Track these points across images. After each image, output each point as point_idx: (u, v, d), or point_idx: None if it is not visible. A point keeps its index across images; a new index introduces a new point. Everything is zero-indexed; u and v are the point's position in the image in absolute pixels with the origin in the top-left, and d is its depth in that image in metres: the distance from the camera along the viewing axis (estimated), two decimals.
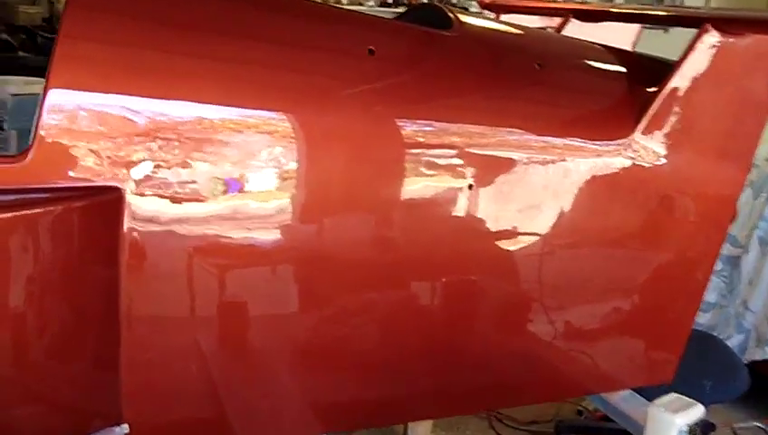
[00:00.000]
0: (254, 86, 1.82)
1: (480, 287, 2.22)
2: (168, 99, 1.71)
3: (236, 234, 1.81)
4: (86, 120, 1.62)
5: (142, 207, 1.70)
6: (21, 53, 4.09)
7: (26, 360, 1.72)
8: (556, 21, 3.00)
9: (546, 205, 2.19)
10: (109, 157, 1.65)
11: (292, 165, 1.82)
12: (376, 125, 1.95)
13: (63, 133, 1.60)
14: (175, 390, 1.92)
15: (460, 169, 2.03)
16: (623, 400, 2.57)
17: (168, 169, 1.71)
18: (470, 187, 2.03)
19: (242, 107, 1.78)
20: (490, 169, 2.07)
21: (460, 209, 2.06)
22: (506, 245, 2.18)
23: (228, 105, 1.77)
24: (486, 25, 2.40)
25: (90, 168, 1.63)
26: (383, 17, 2.18)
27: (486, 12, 3.44)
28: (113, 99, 1.66)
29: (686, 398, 2.39)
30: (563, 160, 2.14)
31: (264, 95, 1.82)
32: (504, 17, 3.13)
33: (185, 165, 1.72)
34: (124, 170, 1.67)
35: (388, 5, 8.46)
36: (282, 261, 1.90)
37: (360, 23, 2.09)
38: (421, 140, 1.98)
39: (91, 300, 1.74)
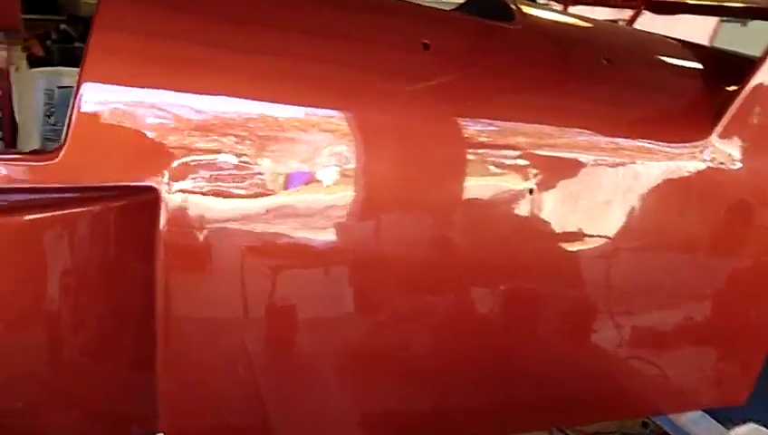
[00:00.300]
0: (303, 82, 1.73)
1: (542, 294, 2.09)
2: (211, 94, 1.63)
3: (287, 233, 1.73)
4: (122, 117, 1.54)
5: (181, 207, 1.61)
6: (78, 44, 4.09)
7: (63, 360, 1.66)
8: (627, 13, 2.83)
9: (614, 209, 2.05)
10: (145, 155, 1.56)
11: (345, 163, 1.73)
12: (431, 123, 1.84)
13: (97, 130, 1.52)
14: (215, 394, 1.84)
15: (522, 171, 1.91)
16: (694, 423, 2.40)
17: (210, 167, 1.62)
18: (531, 191, 1.89)
19: (292, 104, 1.70)
20: (554, 172, 1.94)
21: (521, 213, 1.94)
22: (570, 250, 2.05)
23: (278, 102, 1.69)
24: (551, 18, 2.26)
25: (125, 167, 1.55)
26: (440, 9, 2.04)
27: (553, 3, 3.28)
28: (151, 94, 1.57)
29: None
30: (633, 163, 1.99)
31: (313, 91, 1.73)
32: (571, 9, 2.97)
33: (231, 163, 1.64)
34: (162, 170, 1.57)
35: None
36: (334, 262, 1.81)
37: (414, 14, 1.96)
38: (480, 139, 1.86)
39: (128, 299, 1.67)
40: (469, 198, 1.89)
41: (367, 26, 1.87)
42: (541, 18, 2.18)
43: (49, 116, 2.39)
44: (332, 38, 1.81)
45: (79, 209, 1.48)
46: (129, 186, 1.55)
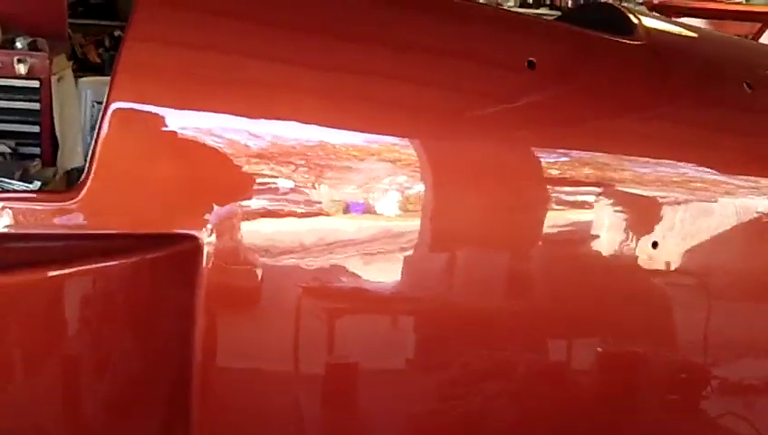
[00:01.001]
0: (376, 105, 1.46)
1: (647, 356, 1.76)
2: (268, 119, 1.34)
3: (348, 283, 1.47)
4: (159, 147, 1.25)
5: (225, 258, 1.33)
6: None
7: (90, 423, 1.41)
8: (745, 26, 2.46)
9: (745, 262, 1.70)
10: (186, 195, 1.27)
11: (432, 201, 1.47)
12: (535, 156, 1.55)
13: (128, 163, 1.23)
14: None
15: (646, 218, 1.59)
16: None
17: (264, 210, 1.34)
18: (654, 245, 1.56)
19: (363, 131, 1.43)
20: (684, 220, 1.61)
21: (640, 268, 1.62)
22: (679, 303, 1.72)
23: (347, 129, 1.41)
24: (678, 31, 1.89)
25: (160, 210, 1.26)
26: (546, 20, 1.69)
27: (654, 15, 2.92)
28: (195, 118, 1.28)
29: None
30: None
31: (387, 117, 1.47)
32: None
33: (291, 206, 1.35)
34: (205, 214, 1.28)
35: (529, 6, 7.89)
36: (395, 309, 1.55)
37: (518, 26, 1.64)
38: (596, 178, 1.57)
39: (161, 362, 1.41)
40: (562, 241, 1.61)
41: (461, 39, 1.56)
42: (666, 32, 1.83)
43: None
44: (420, 53, 1.50)
45: (100, 265, 1.19)
46: (165, 234, 1.24)
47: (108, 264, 1.20)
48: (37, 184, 1.68)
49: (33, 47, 2.35)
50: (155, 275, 1.27)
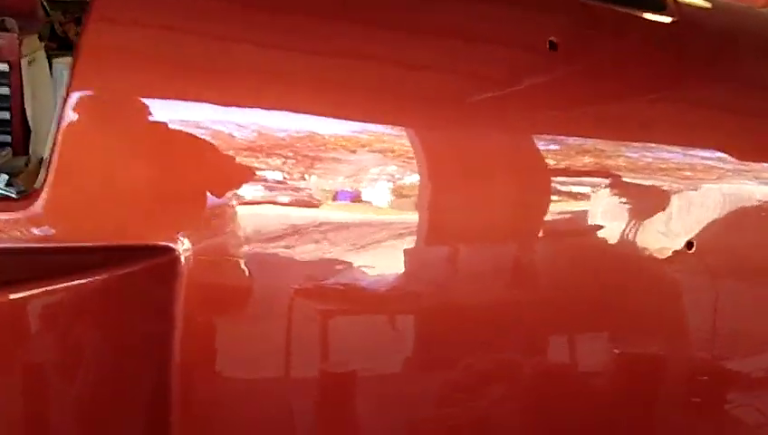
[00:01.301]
0: (376, 95, 1.28)
1: (668, 359, 1.61)
2: (251, 109, 1.17)
3: (335, 288, 1.32)
4: (128, 142, 1.07)
5: (207, 272, 1.16)
6: None
7: None
8: None
9: None
10: (160, 200, 1.09)
11: (420, 195, 1.30)
12: (559, 147, 1.38)
13: (92, 163, 1.05)
14: None
15: (680, 216, 1.43)
16: None
17: (252, 215, 1.16)
18: (689, 245, 1.40)
19: (359, 120, 1.25)
20: (722, 219, 1.43)
21: (672, 269, 1.48)
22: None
23: (344, 118, 1.23)
24: (717, 8, 1.71)
25: (131, 217, 1.08)
26: None
27: None
28: (169, 109, 1.10)
29: None
30: None
31: (390, 107, 1.28)
32: None
33: (277, 210, 1.18)
34: (183, 221, 1.10)
35: None
36: (393, 309, 1.38)
37: (536, 2, 1.46)
38: (627, 171, 1.42)
39: (134, 386, 1.23)
40: (582, 236, 1.46)
41: (471, 18, 1.38)
42: (703, 8, 1.65)
43: None
44: (426, 35, 1.33)
45: (61, 284, 1.01)
46: (135, 246, 1.06)
47: (70, 283, 1.02)
48: (4, 178, 1.49)
49: (0, 27, 2.17)
50: (126, 295, 1.09)
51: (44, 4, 2.74)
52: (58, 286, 1.02)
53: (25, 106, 2.24)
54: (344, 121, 1.24)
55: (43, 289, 1.02)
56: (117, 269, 1.06)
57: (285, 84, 1.19)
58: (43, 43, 2.40)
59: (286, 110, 1.20)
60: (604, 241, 1.44)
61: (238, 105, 1.15)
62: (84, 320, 1.08)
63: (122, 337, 1.14)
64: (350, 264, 1.29)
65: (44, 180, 1.04)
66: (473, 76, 1.35)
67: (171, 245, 1.08)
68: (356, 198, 1.27)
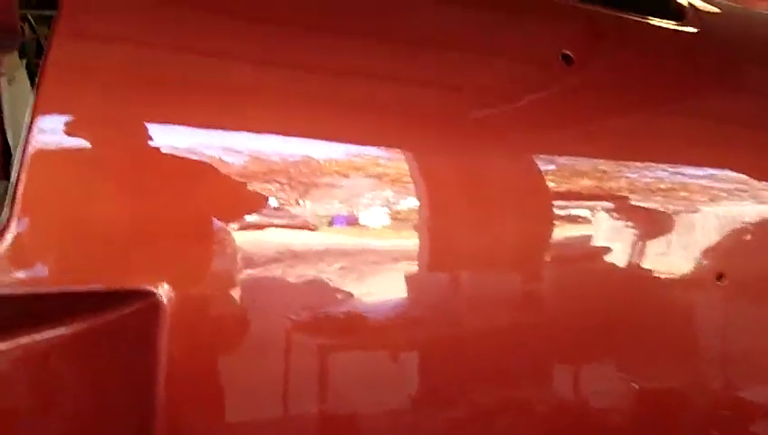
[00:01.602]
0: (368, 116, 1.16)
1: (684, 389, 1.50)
2: (236, 133, 1.05)
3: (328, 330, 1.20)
4: (101, 173, 0.96)
5: (191, 319, 1.03)
6: None
7: None
8: None
9: None
10: (137, 238, 0.97)
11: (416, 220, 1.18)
12: (573, 170, 1.27)
13: (61, 197, 0.94)
14: None
15: (708, 246, 1.29)
16: None
17: (235, 252, 1.05)
18: (719, 277, 1.30)
19: (354, 143, 1.15)
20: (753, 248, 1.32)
21: (699, 303, 1.36)
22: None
23: (339, 141, 1.13)
24: (736, 15, 1.60)
25: (105, 260, 0.96)
26: (582, 4, 1.40)
27: None
28: (145, 134, 0.99)
29: None
30: None
31: (383, 130, 1.17)
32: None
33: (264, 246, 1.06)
34: (163, 262, 0.99)
35: None
36: (387, 345, 1.26)
37: (550, 13, 1.35)
38: (645, 194, 1.31)
39: None
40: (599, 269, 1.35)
41: (478, 30, 1.27)
42: (725, 17, 1.54)
43: None
44: (430, 49, 1.21)
45: (27, 337, 0.89)
46: (113, 292, 0.95)
47: (37, 336, 0.90)
48: None
49: None
50: (101, 347, 0.97)
51: (30, 19, 2.64)
52: (14, 342, 0.90)
53: (5, 127, 2.14)
54: (341, 145, 1.14)
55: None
56: (89, 319, 0.94)
57: (275, 105, 1.08)
58: (24, 61, 2.30)
59: (277, 133, 1.10)
60: (615, 265, 1.33)
61: (223, 128, 1.04)
62: (49, 381, 0.95)
63: (96, 399, 1.02)
64: (349, 294, 1.19)
65: (9, 217, 0.92)
66: (476, 94, 1.24)
67: (151, 288, 0.96)
68: (353, 223, 1.16)
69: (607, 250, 1.32)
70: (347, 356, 1.24)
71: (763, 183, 1.36)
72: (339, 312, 1.19)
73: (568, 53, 1.26)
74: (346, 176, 1.12)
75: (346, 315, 1.20)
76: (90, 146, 0.96)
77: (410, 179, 1.16)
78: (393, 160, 1.16)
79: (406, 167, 1.16)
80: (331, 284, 1.16)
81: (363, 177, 1.14)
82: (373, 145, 1.15)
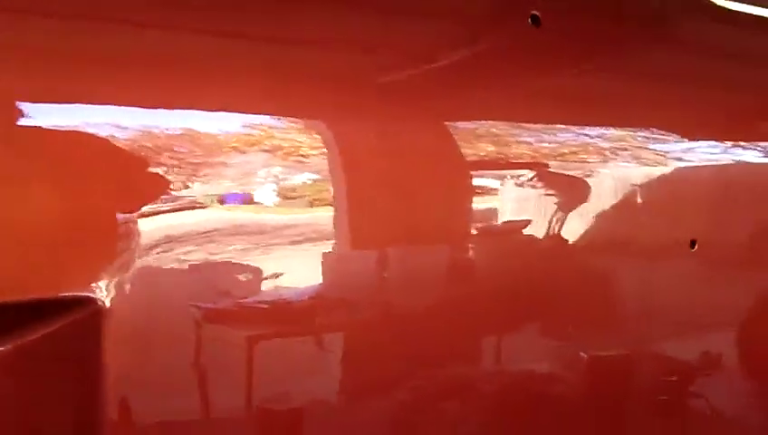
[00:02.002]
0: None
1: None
2: (168, 109, 0.93)
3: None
4: (22, 165, 0.83)
5: (136, 323, 0.91)
6: None
7: None
8: None
9: None
10: (68, 239, 0.85)
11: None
12: (541, 138, 1.25)
13: None
14: None
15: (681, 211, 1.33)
16: None
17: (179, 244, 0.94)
18: (692, 243, 1.29)
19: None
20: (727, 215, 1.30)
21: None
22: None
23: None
24: None
25: (35, 266, 0.84)
26: None
27: None
28: (68, 117, 0.86)
29: None
30: None
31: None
32: None
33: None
34: (100, 263, 0.87)
35: None
36: (311, 329, 1.17)
37: None
38: (615, 162, 1.30)
39: None
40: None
41: None
42: None
43: None
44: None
45: None
46: (48, 301, 0.83)
47: None
48: None
49: None
50: (38, 362, 0.86)
51: None
52: None
53: None
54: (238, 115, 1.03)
55: None
56: (19, 335, 0.82)
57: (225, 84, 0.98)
58: None
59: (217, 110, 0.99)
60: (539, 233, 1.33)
61: (148, 108, 0.92)
62: None
63: (38, 414, 0.91)
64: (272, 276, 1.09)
65: None
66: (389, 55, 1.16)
67: (90, 294, 0.85)
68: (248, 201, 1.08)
69: (531, 218, 1.30)
70: (269, 344, 1.13)
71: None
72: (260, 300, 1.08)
73: (536, 12, 1.19)
74: (243, 152, 1.02)
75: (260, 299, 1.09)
76: (6, 135, 0.83)
77: (321, 151, 1.09)
78: (295, 131, 1.08)
79: (309, 137, 1.09)
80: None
81: (259, 151, 1.05)
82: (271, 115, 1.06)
